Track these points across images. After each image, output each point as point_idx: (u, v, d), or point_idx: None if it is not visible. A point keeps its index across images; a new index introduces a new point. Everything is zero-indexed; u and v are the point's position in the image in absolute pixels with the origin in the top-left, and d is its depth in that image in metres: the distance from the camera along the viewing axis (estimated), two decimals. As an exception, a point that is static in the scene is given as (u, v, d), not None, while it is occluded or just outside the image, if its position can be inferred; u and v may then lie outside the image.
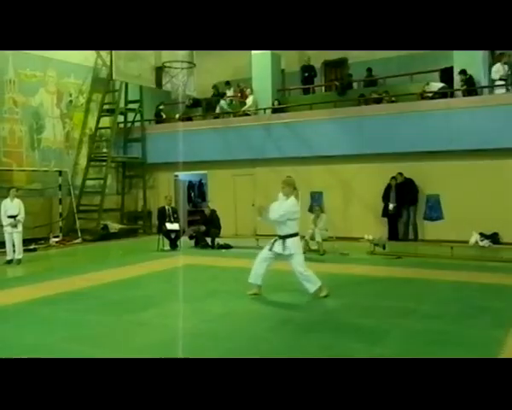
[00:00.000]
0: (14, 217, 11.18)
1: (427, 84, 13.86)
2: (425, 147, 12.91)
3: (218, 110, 16.90)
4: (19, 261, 11.25)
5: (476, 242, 11.74)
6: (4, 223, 11.19)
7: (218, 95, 17.81)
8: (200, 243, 13.49)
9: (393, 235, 13.27)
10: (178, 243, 13.21)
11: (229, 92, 17.82)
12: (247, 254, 11.83)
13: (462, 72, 13.04)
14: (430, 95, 13.61)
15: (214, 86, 17.95)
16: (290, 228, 7.30)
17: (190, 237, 13.88)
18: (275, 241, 7.41)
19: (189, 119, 17.48)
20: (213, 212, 13.67)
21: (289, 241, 7.27)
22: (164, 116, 18.11)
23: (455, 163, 12.90)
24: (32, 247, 13.18)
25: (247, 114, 16.17)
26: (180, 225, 13.42)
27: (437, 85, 13.70)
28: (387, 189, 13.36)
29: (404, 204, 13.25)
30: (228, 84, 18.10)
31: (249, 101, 16.28)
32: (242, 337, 5.75)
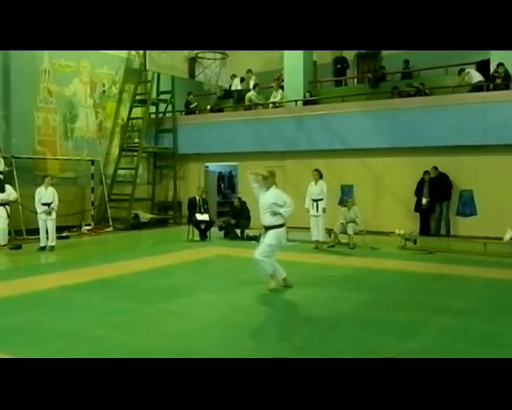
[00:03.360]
0: (48, 205, 11.38)
1: (467, 73, 13.45)
2: (459, 141, 12.67)
3: (246, 101, 16.84)
4: (52, 248, 11.46)
5: (511, 238, 11.46)
6: (39, 210, 11.39)
7: (242, 80, 17.79)
8: (229, 234, 13.53)
9: (425, 230, 13.08)
10: (208, 233, 13.27)
11: (252, 82, 17.67)
12: (277, 246, 11.83)
13: (500, 65, 12.72)
14: (469, 87, 13.25)
15: (233, 75, 17.88)
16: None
17: (220, 228, 13.92)
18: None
19: (221, 110, 17.49)
20: (243, 203, 13.69)
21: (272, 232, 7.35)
22: (192, 105, 17.97)
23: (489, 158, 12.64)
24: (64, 234, 13.40)
25: (277, 106, 16.12)
26: (210, 216, 13.48)
27: (476, 75, 13.29)
28: (420, 183, 13.15)
29: (437, 199, 13.03)
30: (250, 72, 18.05)
31: (278, 95, 16.22)
32: (272, 329, 5.74)
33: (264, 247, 7.29)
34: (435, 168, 12.97)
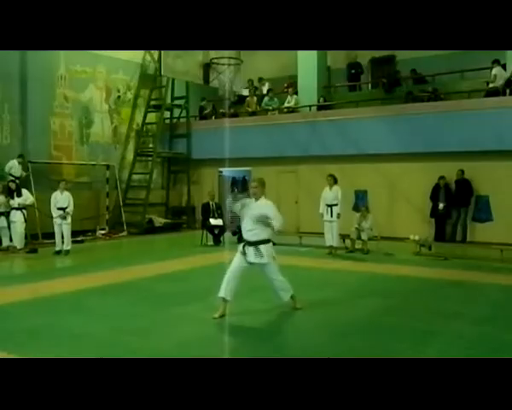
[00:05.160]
0: (63, 209, 11.47)
1: (494, 66, 13.05)
2: (474, 146, 12.55)
3: (246, 106, 16.91)
4: (67, 252, 11.55)
5: (527, 245, 11.35)
6: (54, 215, 11.48)
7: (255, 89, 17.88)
8: (242, 238, 13.52)
9: (440, 236, 12.97)
10: (222, 238, 13.28)
11: (265, 88, 17.73)
12: (290, 252, 11.81)
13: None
14: (496, 85, 12.96)
15: (249, 80, 17.96)
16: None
17: (233, 233, 13.91)
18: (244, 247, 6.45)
19: (234, 115, 17.53)
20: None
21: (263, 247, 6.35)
22: (206, 111, 17.99)
23: (506, 164, 12.51)
24: (79, 238, 13.49)
25: (291, 112, 16.15)
26: (224, 221, 13.49)
27: (501, 73, 13.03)
28: (436, 189, 13.05)
29: (454, 205, 12.92)
30: (261, 80, 18.11)
31: (291, 100, 16.23)
32: (285, 335, 5.73)
33: (275, 267, 6.47)
34: (461, 172, 12.82)
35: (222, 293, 6.29)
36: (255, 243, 6.33)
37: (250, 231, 6.38)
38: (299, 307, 6.68)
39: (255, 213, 6.32)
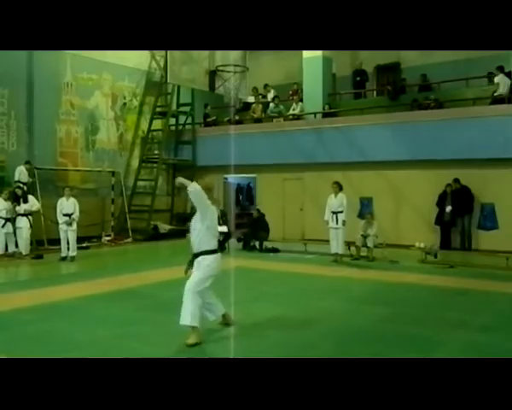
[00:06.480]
0: (69, 215, 11.51)
1: (494, 76, 13.14)
2: (480, 154, 12.52)
3: (251, 112, 16.97)
4: (72, 258, 11.57)
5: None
6: (60, 221, 11.52)
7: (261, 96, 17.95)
8: (248, 245, 13.54)
9: (445, 244, 12.92)
10: (226, 245, 13.27)
11: (270, 95, 17.79)
12: (295, 259, 11.82)
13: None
14: (501, 92, 12.95)
15: (254, 88, 18.00)
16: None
17: (238, 240, 13.94)
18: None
19: (240, 122, 17.56)
20: (262, 215, 13.71)
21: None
22: (210, 119, 18.04)
23: (511, 171, 12.47)
24: (84, 245, 13.52)
25: (296, 118, 16.17)
26: (229, 228, 13.49)
27: (504, 81, 12.97)
28: (442, 196, 13.01)
29: (459, 212, 12.87)
30: (266, 87, 18.19)
31: (297, 107, 16.26)
32: (291, 343, 5.70)
33: (201, 279, 5.95)
34: (457, 181, 12.80)
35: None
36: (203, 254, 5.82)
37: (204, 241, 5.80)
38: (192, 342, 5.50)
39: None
